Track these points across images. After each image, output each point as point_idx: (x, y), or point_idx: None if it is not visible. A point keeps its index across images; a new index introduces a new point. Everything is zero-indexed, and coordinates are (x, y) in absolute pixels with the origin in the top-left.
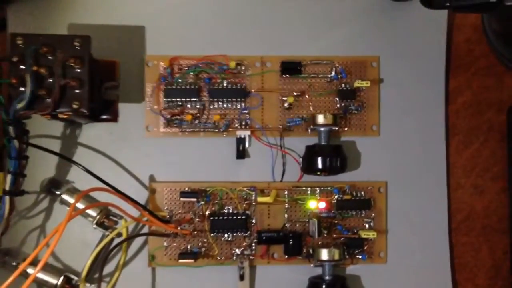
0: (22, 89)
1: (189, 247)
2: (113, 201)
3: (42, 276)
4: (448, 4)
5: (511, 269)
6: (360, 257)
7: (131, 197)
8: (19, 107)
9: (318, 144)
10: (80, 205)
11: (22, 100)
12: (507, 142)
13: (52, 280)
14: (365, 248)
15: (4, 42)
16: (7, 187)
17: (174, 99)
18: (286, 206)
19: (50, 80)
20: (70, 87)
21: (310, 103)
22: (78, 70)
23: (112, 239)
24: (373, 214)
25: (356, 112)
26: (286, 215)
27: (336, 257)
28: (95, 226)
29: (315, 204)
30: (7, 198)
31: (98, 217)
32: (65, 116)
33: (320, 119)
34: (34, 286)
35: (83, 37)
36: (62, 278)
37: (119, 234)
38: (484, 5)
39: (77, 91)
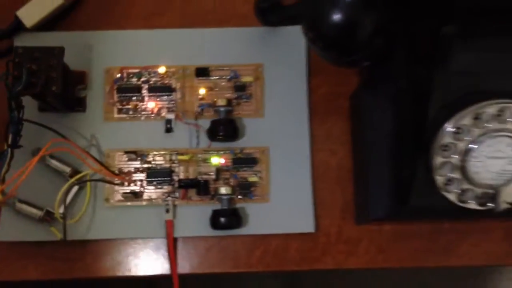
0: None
1: (130, 191)
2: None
3: (27, 207)
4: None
5: (355, 205)
6: (249, 197)
7: (94, 157)
8: (18, 89)
9: (218, 119)
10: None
11: (21, 84)
12: (350, 119)
13: (36, 212)
14: (252, 190)
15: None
16: (9, 142)
17: (123, 95)
18: (199, 163)
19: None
20: (51, 77)
21: (216, 95)
22: (56, 67)
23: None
24: (259, 169)
25: (247, 100)
26: (198, 169)
27: (230, 191)
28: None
29: (217, 160)
30: (9, 150)
31: (69, 171)
32: (49, 99)
33: (220, 102)
34: (21, 217)
35: (59, 48)
36: (44, 211)
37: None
38: (290, 20)
39: (55, 79)
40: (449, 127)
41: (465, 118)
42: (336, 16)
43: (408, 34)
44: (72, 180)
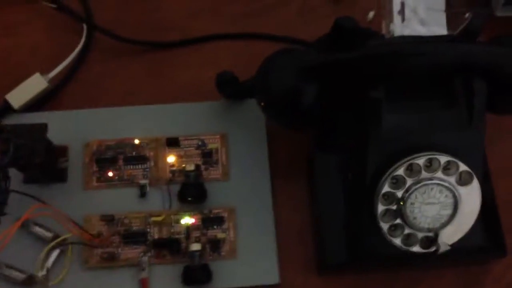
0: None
1: (107, 252)
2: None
3: (11, 271)
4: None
5: (316, 258)
6: (218, 253)
7: (74, 221)
8: (6, 161)
9: (188, 182)
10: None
11: (7, 157)
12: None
13: (19, 275)
14: (221, 246)
15: None
16: None
17: (101, 165)
18: (172, 224)
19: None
20: (34, 150)
21: (185, 162)
22: (39, 141)
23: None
24: (226, 227)
25: (213, 166)
26: (171, 229)
27: (200, 248)
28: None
29: (188, 220)
30: None
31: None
32: (33, 170)
33: (188, 167)
34: (5, 281)
35: (42, 124)
36: (27, 274)
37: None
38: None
39: (38, 152)
40: (387, 178)
41: (400, 169)
42: (278, 89)
43: (342, 99)
44: (53, 243)
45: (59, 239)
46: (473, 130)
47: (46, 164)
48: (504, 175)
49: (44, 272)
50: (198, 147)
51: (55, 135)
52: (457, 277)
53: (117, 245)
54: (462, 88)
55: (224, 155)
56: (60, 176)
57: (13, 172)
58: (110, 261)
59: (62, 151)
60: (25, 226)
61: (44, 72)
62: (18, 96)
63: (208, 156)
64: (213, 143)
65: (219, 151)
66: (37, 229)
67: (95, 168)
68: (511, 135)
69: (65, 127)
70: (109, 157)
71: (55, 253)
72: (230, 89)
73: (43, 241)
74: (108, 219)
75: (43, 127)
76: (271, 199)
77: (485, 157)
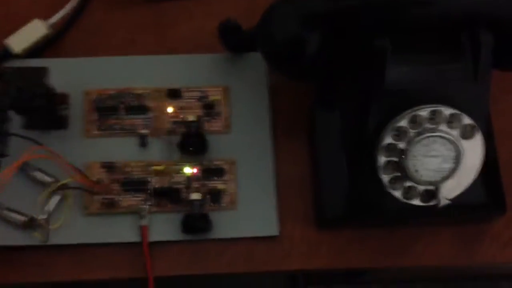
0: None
1: (108, 199)
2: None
3: (12, 214)
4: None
5: (315, 211)
6: (218, 204)
7: (75, 166)
8: (6, 102)
9: (188, 132)
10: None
11: (8, 98)
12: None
13: (21, 218)
14: (221, 197)
15: None
16: None
17: (102, 113)
18: (172, 174)
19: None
20: (35, 94)
21: (186, 114)
22: (40, 85)
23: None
24: (227, 179)
25: (215, 118)
26: (171, 179)
27: (200, 197)
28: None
29: (190, 170)
30: None
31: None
32: (33, 114)
33: (189, 117)
34: (1, 222)
35: (44, 68)
36: (29, 217)
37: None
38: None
39: (39, 95)
40: (388, 129)
41: (402, 121)
42: (281, 37)
43: (346, 49)
44: (54, 186)
45: (60, 183)
46: (478, 84)
47: (46, 110)
48: (508, 136)
49: (44, 216)
50: (199, 99)
51: (55, 83)
52: (455, 235)
53: (117, 193)
54: (469, 40)
55: (226, 107)
56: (60, 123)
57: (13, 118)
58: (110, 207)
59: (63, 98)
60: (25, 169)
61: (45, 18)
62: (18, 41)
63: (209, 108)
64: (215, 95)
65: (220, 103)
66: (38, 174)
67: (95, 116)
68: None
69: (65, 74)
70: (109, 106)
71: (56, 198)
72: (233, 38)
73: (43, 185)
74: (109, 166)
75: (44, 71)
76: (272, 153)
77: (489, 113)
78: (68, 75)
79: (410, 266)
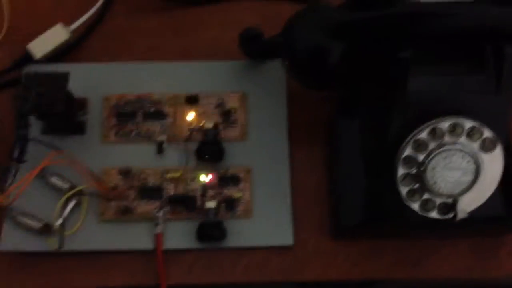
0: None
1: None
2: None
3: (27, 220)
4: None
5: (331, 221)
6: (234, 212)
7: (91, 171)
8: (27, 107)
9: (205, 140)
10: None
11: (28, 104)
12: (326, 143)
13: (36, 224)
14: (236, 205)
15: None
16: (15, 156)
17: (120, 119)
18: (188, 181)
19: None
20: (55, 99)
21: (204, 120)
22: (60, 90)
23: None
24: (242, 187)
25: (232, 125)
26: (187, 187)
27: (215, 205)
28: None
29: (205, 178)
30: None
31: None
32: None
33: (207, 124)
34: (21, 229)
35: (64, 73)
36: (43, 223)
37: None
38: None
39: (59, 101)
40: (409, 142)
41: (423, 133)
42: (304, 46)
43: (369, 60)
44: (70, 192)
45: (76, 189)
46: (500, 96)
47: (65, 115)
48: None
49: (60, 221)
50: (217, 106)
51: (75, 88)
52: (472, 248)
53: (133, 199)
54: (492, 53)
55: (243, 115)
56: (79, 128)
57: (32, 122)
58: (125, 214)
59: (82, 103)
60: (42, 176)
61: (66, 23)
62: (40, 46)
63: (227, 115)
64: (233, 102)
65: (238, 110)
66: (54, 180)
67: (114, 122)
68: None
69: (85, 79)
70: (128, 112)
71: (71, 204)
72: (255, 46)
73: (60, 191)
74: (125, 172)
75: (65, 76)
76: (288, 161)
77: (510, 126)
78: (87, 80)
79: (426, 278)
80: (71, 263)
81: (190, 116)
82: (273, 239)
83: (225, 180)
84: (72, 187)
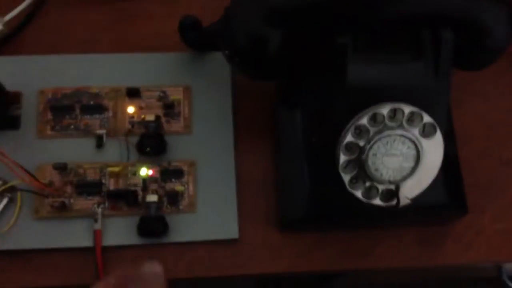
0: None
1: (59, 202)
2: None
3: None
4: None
5: (277, 213)
6: (177, 207)
7: (24, 168)
8: None
9: (146, 133)
10: None
11: None
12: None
13: None
14: (180, 200)
15: None
16: None
17: (56, 113)
18: (128, 175)
19: None
20: None
21: (146, 114)
22: None
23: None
24: (186, 181)
25: (175, 118)
26: (127, 181)
27: (156, 199)
28: None
29: (146, 172)
30: None
31: None
32: None
33: (148, 117)
34: None
35: None
36: None
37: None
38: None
39: None
40: (349, 128)
41: (363, 119)
42: (242, 34)
43: (309, 47)
44: (0, 188)
45: (6, 185)
46: (439, 82)
47: None
48: (469, 138)
49: None
50: (160, 99)
51: (8, 81)
52: (418, 236)
53: (70, 195)
54: (430, 38)
55: (187, 107)
56: (12, 123)
57: None
58: (62, 211)
59: (15, 97)
60: None
61: (0, 14)
62: None
63: (170, 108)
64: (176, 95)
65: (181, 103)
66: None
67: (49, 116)
68: (478, 98)
69: (19, 72)
70: (65, 106)
71: (3, 201)
72: (193, 34)
73: None
74: (61, 168)
75: None
76: (233, 154)
77: (450, 113)
78: (22, 73)
79: (372, 268)
80: (5, 263)
81: (131, 109)
82: (218, 233)
83: (167, 173)
84: (4, 184)
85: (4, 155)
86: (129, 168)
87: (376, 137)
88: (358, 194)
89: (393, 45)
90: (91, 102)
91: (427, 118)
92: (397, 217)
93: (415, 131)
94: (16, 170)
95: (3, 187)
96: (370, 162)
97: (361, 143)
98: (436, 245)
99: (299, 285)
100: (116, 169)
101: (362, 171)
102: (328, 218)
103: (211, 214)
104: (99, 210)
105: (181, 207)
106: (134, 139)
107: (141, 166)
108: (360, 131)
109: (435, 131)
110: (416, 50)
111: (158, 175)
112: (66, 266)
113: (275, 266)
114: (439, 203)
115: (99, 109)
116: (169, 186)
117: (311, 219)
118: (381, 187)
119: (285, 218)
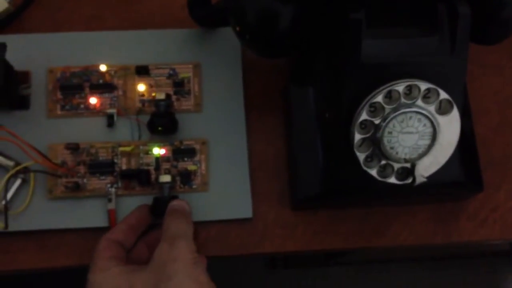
0: None
1: (73, 182)
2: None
3: None
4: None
5: (290, 192)
6: (189, 186)
7: (37, 148)
8: None
9: (157, 112)
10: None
11: None
12: (283, 112)
13: None
14: (192, 179)
15: None
16: None
17: (66, 92)
18: (140, 155)
19: None
20: None
21: (155, 92)
22: None
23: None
24: (198, 160)
25: (185, 96)
26: (140, 160)
27: (170, 179)
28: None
29: (158, 151)
30: None
31: (12, 165)
32: None
33: (158, 96)
34: None
35: (1, 44)
36: None
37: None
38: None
39: None
40: (364, 106)
41: (378, 96)
42: (253, 10)
43: (321, 23)
44: (13, 170)
45: (19, 167)
46: (455, 58)
47: (6, 89)
48: (484, 113)
49: (3, 201)
50: (169, 76)
51: (16, 60)
52: (432, 214)
53: (83, 175)
54: (446, 13)
55: (197, 85)
56: (22, 103)
57: None
58: (75, 191)
59: (24, 76)
60: None
61: None
62: None
63: (179, 85)
64: (185, 73)
65: (191, 80)
66: None
67: (59, 95)
68: (493, 72)
69: (27, 51)
70: (74, 84)
71: (16, 182)
72: (202, 11)
73: (4, 169)
74: (73, 148)
75: (2, 47)
76: (245, 132)
77: (465, 88)
78: (30, 51)
79: (387, 246)
80: (19, 243)
81: (142, 87)
82: (232, 212)
83: (179, 152)
84: (17, 165)
85: (15, 136)
86: (141, 147)
87: (392, 115)
88: (373, 172)
89: (408, 21)
90: (100, 81)
91: (443, 95)
92: (412, 195)
93: (431, 108)
94: (28, 151)
95: (16, 168)
96: (385, 140)
97: (376, 121)
98: (450, 222)
99: (306, 259)
100: (128, 148)
101: (377, 150)
102: (342, 197)
103: (224, 193)
104: (113, 190)
105: (194, 186)
106: (145, 118)
107: (153, 146)
108: (375, 109)
109: (451, 108)
110: (432, 25)
111: (170, 154)
112: (80, 246)
113: (289, 245)
114: (454, 181)
115: (109, 87)
116: (181, 165)
117: (325, 197)
118: (396, 166)
119: (298, 196)
